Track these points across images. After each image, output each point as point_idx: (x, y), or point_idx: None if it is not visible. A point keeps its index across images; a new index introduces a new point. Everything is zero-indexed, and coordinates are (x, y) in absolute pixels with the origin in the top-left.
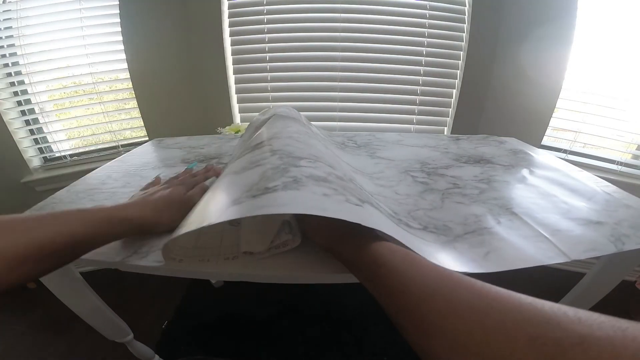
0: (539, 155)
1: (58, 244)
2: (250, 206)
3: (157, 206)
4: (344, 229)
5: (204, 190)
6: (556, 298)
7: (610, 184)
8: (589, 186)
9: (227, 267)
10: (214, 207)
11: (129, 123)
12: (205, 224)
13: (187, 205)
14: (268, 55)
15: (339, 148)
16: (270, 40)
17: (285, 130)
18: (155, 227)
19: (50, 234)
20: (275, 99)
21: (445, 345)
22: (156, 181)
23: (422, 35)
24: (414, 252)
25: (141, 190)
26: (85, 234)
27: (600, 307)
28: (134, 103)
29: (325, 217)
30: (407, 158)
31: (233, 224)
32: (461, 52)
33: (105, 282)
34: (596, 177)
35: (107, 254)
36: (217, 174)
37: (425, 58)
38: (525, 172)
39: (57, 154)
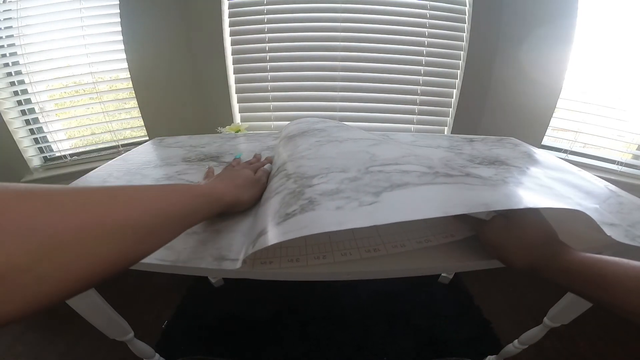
0: (552, 158)
1: (175, 214)
2: (275, 234)
3: (239, 185)
4: (545, 247)
5: (267, 173)
6: (556, 297)
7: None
8: (602, 189)
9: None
10: (251, 238)
11: (129, 123)
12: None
13: (258, 184)
14: (268, 55)
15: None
16: (270, 40)
17: (296, 150)
18: (237, 206)
19: (168, 204)
20: (275, 99)
21: None
22: (210, 171)
23: (422, 35)
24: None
25: (205, 178)
26: (194, 208)
27: None
28: (134, 103)
29: (517, 239)
30: None
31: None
32: (461, 52)
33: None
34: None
35: None
36: (270, 161)
37: (426, 58)
38: (539, 174)
39: (57, 154)
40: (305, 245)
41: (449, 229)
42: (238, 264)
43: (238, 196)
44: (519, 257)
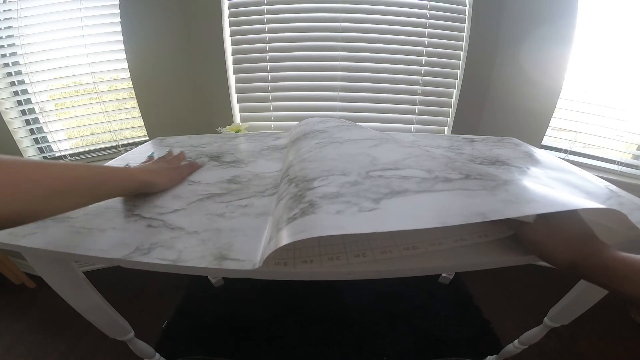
0: (553, 158)
1: (83, 184)
2: (278, 239)
3: (152, 170)
4: (585, 243)
5: (186, 163)
6: (557, 298)
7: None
8: (603, 189)
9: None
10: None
11: (129, 123)
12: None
13: (174, 170)
14: (268, 55)
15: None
16: (270, 40)
17: (298, 153)
18: (152, 186)
19: (78, 175)
20: (275, 99)
21: None
22: (148, 159)
23: (422, 35)
24: None
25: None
26: (102, 180)
27: (600, 306)
28: (134, 103)
29: (558, 236)
30: None
31: None
32: (461, 52)
33: (106, 280)
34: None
35: (109, 251)
36: (183, 157)
37: (426, 58)
38: (540, 174)
39: (57, 154)
40: (319, 245)
41: (483, 228)
42: (253, 267)
43: (151, 178)
44: (561, 254)
